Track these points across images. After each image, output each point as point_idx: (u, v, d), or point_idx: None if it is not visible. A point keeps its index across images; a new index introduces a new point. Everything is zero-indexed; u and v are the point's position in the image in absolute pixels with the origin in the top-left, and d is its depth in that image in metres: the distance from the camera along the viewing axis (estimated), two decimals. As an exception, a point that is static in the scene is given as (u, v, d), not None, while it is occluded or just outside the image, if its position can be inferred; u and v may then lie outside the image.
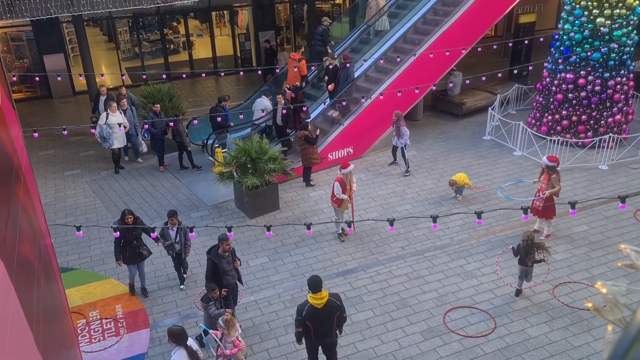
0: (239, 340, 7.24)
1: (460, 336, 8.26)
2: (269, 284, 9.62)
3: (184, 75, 16.20)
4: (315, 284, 6.95)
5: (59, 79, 14.33)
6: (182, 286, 9.59)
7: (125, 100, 13.68)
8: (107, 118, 13.00)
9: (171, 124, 12.71)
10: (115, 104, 13.27)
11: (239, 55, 21.69)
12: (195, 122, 12.53)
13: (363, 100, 13.51)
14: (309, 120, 13.29)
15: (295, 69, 14.47)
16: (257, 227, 10.89)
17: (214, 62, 21.41)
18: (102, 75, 15.60)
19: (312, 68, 15.49)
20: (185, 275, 9.71)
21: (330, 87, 13.50)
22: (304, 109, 13.56)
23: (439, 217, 6.78)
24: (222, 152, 13.12)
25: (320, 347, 7.32)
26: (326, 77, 14.06)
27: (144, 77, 14.80)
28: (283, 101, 13.40)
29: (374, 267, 9.95)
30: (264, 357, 8.09)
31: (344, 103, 13.55)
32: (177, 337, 6.53)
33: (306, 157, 12.45)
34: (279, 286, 9.57)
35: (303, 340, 7.23)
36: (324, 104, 13.95)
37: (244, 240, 10.85)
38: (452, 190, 11.89)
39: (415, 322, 8.57)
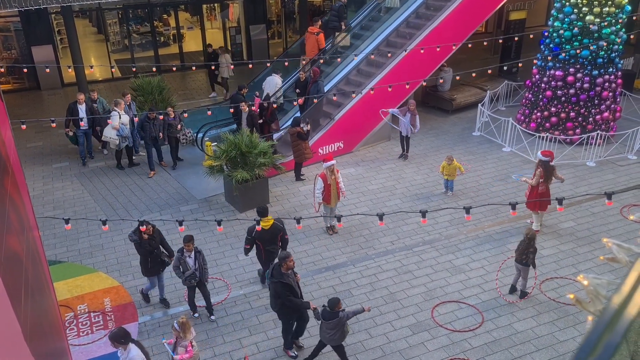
0: (192, 346, 7.14)
1: (448, 330, 8.33)
2: (258, 278, 9.62)
3: (174, 68, 16.10)
4: (263, 211, 8.69)
5: (48, 70, 14.17)
6: (196, 314, 8.72)
7: (129, 96, 13.76)
8: (120, 117, 12.87)
9: (161, 116, 12.59)
10: (122, 102, 13.26)
11: (229, 48, 21.57)
12: (185, 115, 12.46)
13: (354, 95, 13.51)
14: (300, 116, 13.29)
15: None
16: (246, 221, 10.88)
17: (205, 55, 21.28)
18: (92, 67, 15.45)
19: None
20: (213, 317, 8.68)
21: (300, 100, 13.44)
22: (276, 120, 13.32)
23: (428, 212, 6.82)
24: (212, 146, 13.08)
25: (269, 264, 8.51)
26: (297, 90, 13.81)
27: (134, 69, 14.68)
28: (247, 109, 12.87)
29: (363, 261, 9.99)
30: (253, 350, 8.11)
31: (335, 98, 13.54)
32: (125, 337, 6.57)
33: (298, 152, 12.45)
34: (269, 280, 9.56)
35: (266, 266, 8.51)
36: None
37: (234, 234, 10.84)
38: (444, 178, 11.82)
39: (404, 317, 8.63)
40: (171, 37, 22.05)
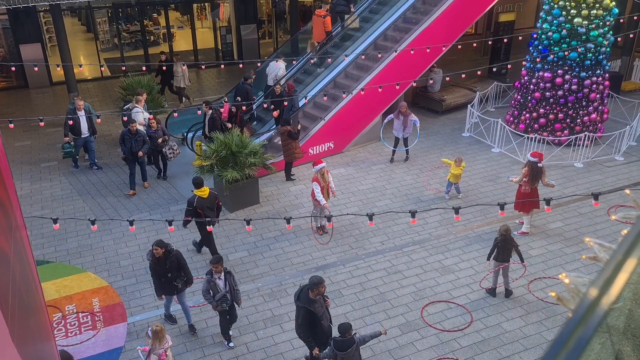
0: (166, 355, 7.06)
1: (437, 330, 8.37)
2: (248, 278, 9.62)
3: (164, 67, 16.02)
4: (199, 182, 9.68)
5: (36, 68, 14.05)
6: (231, 344, 8.16)
7: (145, 94, 13.61)
8: (142, 113, 12.87)
9: (150, 116, 12.50)
10: (142, 98, 13.24)
11: (220, 48, 21.53)
12: (175, 114, 12.42)
13: (344, 95, 13.53)
14: (290, 115, 13.28)
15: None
16: (236, 221, 10.87)
17: (195, 55, 21.22)
18: (81, 65, 15.34)
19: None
20: (232, 344, 8.17)
21: (275, 113, 13.42)
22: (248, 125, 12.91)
23: (417, 212, 6.85)
24: (202, 145, 13.04)
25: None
26: (272, 106, 13.66)
27: (123, 68, 14.60)
28: (210, 111, 12.60)
29: (353, 261, 10.01)
30: (243, 351, 8.10)
31: (325, 98, 13.55)
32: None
33: (289, 152, 12.44)
34: (258, 280, 9.58)
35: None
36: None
37: (224, 234, 10.82)
38: (449, 180, 11.80)
39: (394, 317, 8.66)
40: (161, 36, 21.95)
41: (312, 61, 14.12)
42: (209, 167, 11.43)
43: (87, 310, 8.92)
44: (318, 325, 7.00)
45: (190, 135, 13.92)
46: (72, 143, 13.22)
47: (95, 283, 9.55)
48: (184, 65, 16.21)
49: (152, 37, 21.83)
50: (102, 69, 14.69)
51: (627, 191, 1.22)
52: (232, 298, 7.74)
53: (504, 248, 8.63)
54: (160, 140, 12.29)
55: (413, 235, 10.68)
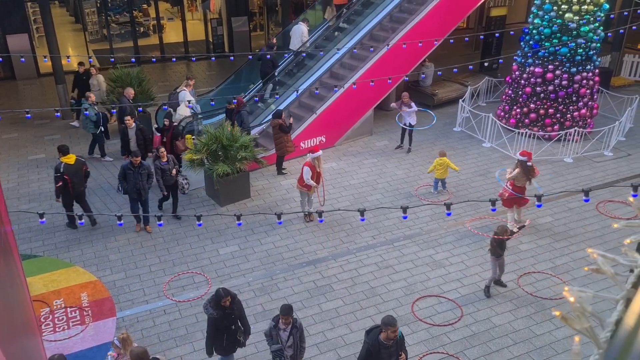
0: None
1: (427, 324, 8.39)
2: (239, 272, 9.58)
3: (154, 60, 15.84)
4: (64, 149, 10.18)
5: (23, 60, 13.85)
6: None
7: (193, 81, 13.78)
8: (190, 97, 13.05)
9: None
10: (190, 83, 13.51)
11: (211, 40, 21.36)
12: (165, 107, 12.32)
13: (336, 89, 13.48)
14: (282, 108, 13.22)
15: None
16: (227, 216, 10.79)
17: (185, 47, 21.04)
18: (68, 57, 15.13)
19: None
20: None
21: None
22: (180, 138, 11.92)
23: (409, 208, 6.83)
24: (193, 139, 12.93)
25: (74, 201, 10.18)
26: (226, 120, 13.34)
27: (112, 60, 14.43)
28: (133, 124, 11.91)
29: (344, 256, 10.00)
30: (233, 345, 8.05)
31: (317, 92, 13.48)
32: None
33: (280, 145, 12.38)
34: (249, 275, 9.54)
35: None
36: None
37: (215, 228, 10.76)
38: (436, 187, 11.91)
39: (384, 311, 8.66)
40: (151, 28, 21.74)
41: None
42: (199, 161, 11.34)
43: (76, 305, 8.83)
44: None
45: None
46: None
47: (83, 277, 9.46)
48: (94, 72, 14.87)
49: (141, 29, 21.62)
50: (91, 60, 14.52)
51: (631, 199, 1.19)
52: (294, 354, 6.77)
53: (500, 245, 8.65)
54: (174, 171, 10.66)
55: (404, 229, 10.69)
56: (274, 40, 15.05)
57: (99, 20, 20.87)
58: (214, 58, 17.42)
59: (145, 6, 21.89)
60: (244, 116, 12.59)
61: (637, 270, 1.04)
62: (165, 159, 10.52)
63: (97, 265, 9.77)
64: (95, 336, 8.24)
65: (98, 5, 20.52)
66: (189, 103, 12.75)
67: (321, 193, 10.94)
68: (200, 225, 7.39)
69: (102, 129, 13.26)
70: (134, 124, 11.95)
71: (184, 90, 13.43)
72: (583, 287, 8.77)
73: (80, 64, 15.15)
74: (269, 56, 14.14)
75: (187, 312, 8.67)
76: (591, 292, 1.08)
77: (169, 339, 8.17)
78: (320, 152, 10.67)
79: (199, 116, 13.28)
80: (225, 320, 6.85)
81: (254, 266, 9.75)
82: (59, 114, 12.90)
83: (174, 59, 15.03)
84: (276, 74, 14.71)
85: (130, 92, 13.31)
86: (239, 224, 7.04)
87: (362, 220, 6.78)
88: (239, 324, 7.05)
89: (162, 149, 10.59)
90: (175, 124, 12.09)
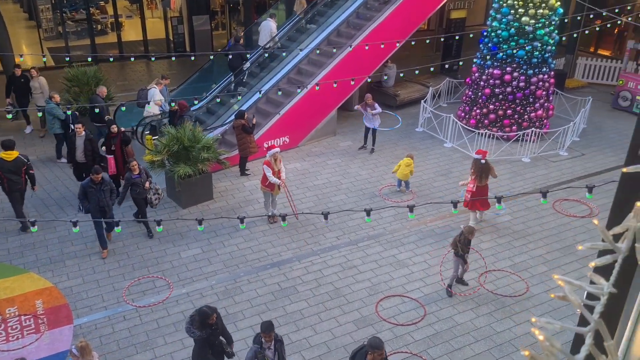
0: None
1: (391, 324, 8.45)
2: (201, 276, 9.43)
3: (112, 58, 15.45)
4: (8, 145, 9.81)
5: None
6: None
7: (168, 80, 13.65)
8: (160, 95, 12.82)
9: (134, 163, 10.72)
10: (162, 82, 13.25)
11: (171, 39, 20.98)
12: (123, 107, 12.02)
13: (299, 89, 13.44)
14: (244, 109, 13.09)
15: None
16: (189, 220, 10.61)
17: (145, 45, 20.60)
18: (22, 55, 14.59)
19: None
20: None
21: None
22: (129, 147, 11.41)
23: (372, 210, 6.86)
24: (153, 140, 12.67)
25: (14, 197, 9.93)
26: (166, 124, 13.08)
27: (68, 58, 13.99)
28: (83, 133, 11.22)
29: (308, 257, 9.98)
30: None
31: (279, 93, 13.41)
32: None
33: (243, 146, 12.27)
34: (212, 278, 9.40)
35: None
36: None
37: (176, 230, 10.56)
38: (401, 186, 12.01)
39: (349, 312, 8.69)
40: (109, 26, 21.21)
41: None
42: (160, 162, 11.12)
43: (30, 312, 8.51)
44: None
45: (140, 129, 13.48)
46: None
47: (38, 284, 9.13)
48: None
49: (99, 26, 21.06)
50: (45, 58, 14.05)
51: (595, 221, 1.19)
52: None
53: (466, 245, 8.80)
54: (147, 184, 10.17)
55: (368, 230, 10.74)
56: (241, 33, 15.01)
57: (54, 17, 20.21)
58: (174, 57, 17.11)
59: (102, 3, 21.33)
60: (187, 120, 12.08)
61: (603, 299, 1.04)
62: (137, 172, 10.01)
63: (53, 271, 9.45)
64: (51, 345, 7.95)
65: (53, 1, 19.88)
66: (158, 101, 12.55)
67: (290, 201, 10.87)
68: (160, 229, 7.22)
69: (73, 128, 12.82)
70: (83, 133, 11.25)
71: (154, 87, 13.16)
72: (541, 284, 9.01)
73: (17, 66, 14.20)
74: (238, 48, 14.16)
75: (147, 318, 8.48)
76: (559, 324, 1.08)
77: (128, 345, 7.97)
78: (277, 149, 10.69)
79: (165, 115, 12.99)
80: (212, 337, 6.71)
81: (217, 269, 9.62)
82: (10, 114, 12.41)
83: (133, 58, 14.69)
84: (245, 68, 14.65)
85: (103, 90, 13.01)
86: (201, 229, 6.91)
87: (327, 224, 6.76)
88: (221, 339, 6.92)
89: (134, 162, 10.08)
90: (123, 129, 11.64)
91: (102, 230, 9.73)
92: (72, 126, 12.78)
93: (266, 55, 14.94)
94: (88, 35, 19.84)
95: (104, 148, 11.37)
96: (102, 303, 8.77)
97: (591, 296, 1.11)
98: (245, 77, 14.68)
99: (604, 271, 1.12)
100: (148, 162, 11.30)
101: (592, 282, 1.13)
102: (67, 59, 13.93)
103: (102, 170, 10.85)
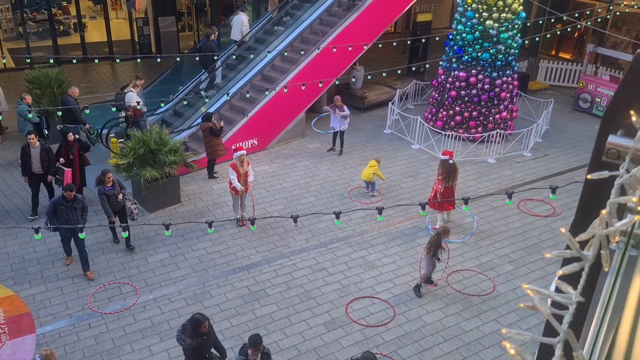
0: None
1: (361, 326, 8.49)
2: (169, 281, 9.28)
3: (75, 60, 15.07)
4: None
5: None
6: None
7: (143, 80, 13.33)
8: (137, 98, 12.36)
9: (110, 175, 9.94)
10: (139, 84, 12.96)
11: (136, 40, 20.61)
12: (87, 110, 11.72)
13: (267, 91, 13.38)
14: (212, 111, 12.97)
15: None
16: (155, 226, 10.44)
17: (109, 47, 20.18)
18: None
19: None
20: None
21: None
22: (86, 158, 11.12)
23: (341, 213, 6.88)
24: (119, 143, 12.42)
25: None
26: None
27: (29, 59, 13.59)
28: (37, 143, 10.43)
29: (278, 260, 9.94)
30: (164, 357, 7.80)
31: (247, 94, 13.33)
32: None
33: (211, 149, 12.14)
34: (180, 283, 9.27)
35: None
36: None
37: (143, 235, 10.37)
38: (367, 191, 12.09)
39: (319, 314, 8.69)
40: (72, 26, 20.69)
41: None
42: (125, 165, 10.90)
43: (-10, 322, 8.22)
44: None
45: (105, 131, 13.20)
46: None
47: (-1, 292, 8.83)
48: None
49: (61, 27, 20.53)
50: (4, 60, 13.60)
51: (562, 230, 1.22)
52: None
53: (439, 245, 8.91)
54: (120, 196, 9.73)
55: (337, 231, 10.77)
56: (216, 32, 14.98)
57: (14, 17, 19.61)
58: (139, 59, 16.81)
59: (65, 4, 20.79)
60: (142, 127, 11.72)
61: (572, 308, 1.06)
62: (110, 184, 9.54)
63: (15, 279, 9.16)
64: (14, 355, 7.71)
65: (13, 1, 19.29)
66: (137, 104, 12.28)
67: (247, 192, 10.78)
68: (127, 235, 7.07)
69: (46, 133, 12.46)
70: (38, 143, 10.43)
71: (132, 91, 12.80)
72: (507, 283, 9.19)
73: None
74: (210, 45, 14.15)
75: (113, 325, 8.30)
76: (529, 335, 1.09)
77: (94, 354, 7.78)
78: (243, 151, 10.59)
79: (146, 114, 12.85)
80: (203, 347, 6.54)
81: (185, 274, 9.49)
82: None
83: (97, 59, 14.37)
84: (217, 66, 14.62)
85: (75, 91, 12.67)
86: (168, 234, 6.80)
87: (296, 227, 6.74)
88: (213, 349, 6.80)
89: (109, 174, 9.61)
90: (77, 136, 11.12)
91: (69, 246, 9.36)
92: (45, 131, 12.41)
93: (234, 56, 14.84)
94: (50, 36, 19.31)
95: (62, 160, 10.69)
96: (66, 311, 8.55)
97: (557, 304, 1.13)
98: (215, 79, 14.62)
99: (569, 278, 1.14)
100: (113, 166, 11.07)
101: (559, 290, 1.15)
102: (28, 60, 13.52)
103: (59, 182, 10.52)
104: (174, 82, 15.42)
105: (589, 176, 1.38)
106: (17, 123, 12.84)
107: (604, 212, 1.13)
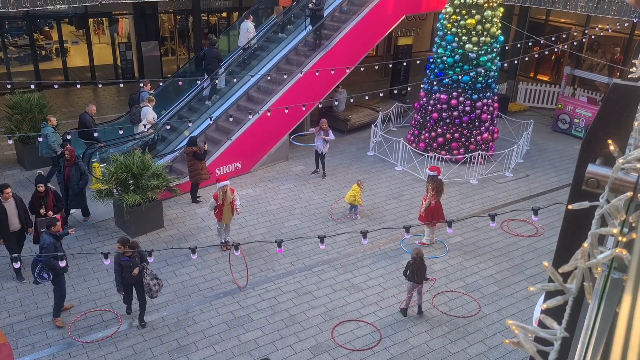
0: None
1: (347, 350, 8.41)
2: (152, 307, 9.12)
3: (56, 85, 14.98)
4: None
5: None
6: None
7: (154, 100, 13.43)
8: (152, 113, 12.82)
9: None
10: (154, 99, 13.19)
11: (119, 64, 20.60)
12: (69, 136, 11.63)
13: (250, 115, 13.43)
14: (196, 135, 12.94)
15: None
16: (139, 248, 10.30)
17: (92, 71, 20.13)
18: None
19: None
20: None
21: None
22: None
23: (325, 237, 6.87)
24: (101, 167, 12.30)
25: None
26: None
27: (9, 85, 13.48)
28: (11, 198, 9.28)
29: (262, 284, 9.85)
30: (147, 387, 7.62)
31: (231, 119, 13.36)
32: None
33: (194, 172, 12.09)
34: (164, 309, 9.12)
35: None
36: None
37: (125, 261, 10.20)
38: (350, 211, 12.11)
39: (304, 339, 8.59)
40: (54, 51, 20.61)
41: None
42: (107, 191, 10.79)
43: (-34, 354, 7.97)
44: None
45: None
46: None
47: (-25, 323, 8.59)
48: None
49: (43, 52, 20.44)
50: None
51: (545, 263, 1.23)
52: None
53: (418, 269, 8.84)
54: (136, 270, 8.28)
55: (322, 254, 10.73)
56: (215, 38, 15.31)
57: (-5, 42, 19.48)
58: (122, 83, 16.76)
59: (47, 29, 20.73)
60: (82, 167, 10.97)
61: (557, 344, 1.06)
62: (128, 254, 8.25)
63: (-8, 309, 8.93)
64: (-10, 388, 7.46)
65: (-7, 26, 19.19)
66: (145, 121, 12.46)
67: (235, 215, 10.71)
68: (107, 262, 6.97)
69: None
70: (11, 198, 9.19)
71: (147, 106, 13.21)
72: (493, 304, 9.19)
73: None
74: (214, 52, 14.63)
75: (94, 354, 8.11)
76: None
77: (75, 385, 7.58)
78: (226, 182, 10.26)
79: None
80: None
81: (169, 299, 9.34)
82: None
83: (79, 84, 14.30)
84: (221, 70, 14.97)
85: (92, 109, 12.87)
86: (150, 260, 6.72)
87: (280, 251, 6.70)
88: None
89: (119, 245, 8.28)
90: (53, 187, 10.28)
91: (62, 300, 8.70)
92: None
93: (230, 71, 15.26)
94: (32, 61, 19.22)
95: (42, 211, 9.64)
96: (46, 340, 8.34)
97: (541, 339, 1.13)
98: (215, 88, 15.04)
99: (553, 312, 1.15)
100: (95, 191, 10.95)
101: (544, 326, 1.16)
102: (9, 85, 13.41)
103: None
104: (157, 106, 15.37)
105: (569, 207, 1.40)
106: (39, 146, 12.50)
107: (585, 244, 1.15)
